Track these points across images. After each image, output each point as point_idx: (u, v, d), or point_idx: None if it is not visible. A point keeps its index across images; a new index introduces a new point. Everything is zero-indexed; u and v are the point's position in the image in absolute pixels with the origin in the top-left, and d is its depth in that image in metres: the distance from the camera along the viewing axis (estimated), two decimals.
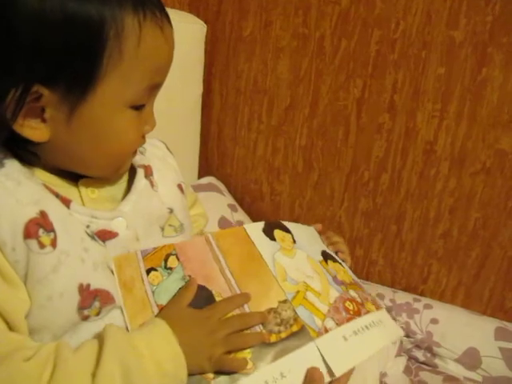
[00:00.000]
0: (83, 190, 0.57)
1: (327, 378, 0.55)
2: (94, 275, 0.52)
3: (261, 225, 0.66)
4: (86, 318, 0.52)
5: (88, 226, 0.53)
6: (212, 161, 1.37)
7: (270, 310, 0.57)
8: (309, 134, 1.24)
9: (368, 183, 1.21)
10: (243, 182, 1.35)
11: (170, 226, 0.63)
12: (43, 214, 0.49)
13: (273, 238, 0.65)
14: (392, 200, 1.19)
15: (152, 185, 0.63)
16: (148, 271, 0.58)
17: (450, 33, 1.06)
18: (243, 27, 1.24)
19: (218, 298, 0.58)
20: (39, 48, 0.46)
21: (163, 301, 0.57)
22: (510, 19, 1.01)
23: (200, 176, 1.30)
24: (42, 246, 0.48)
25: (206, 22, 1.20)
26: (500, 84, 1.05)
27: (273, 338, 0.56)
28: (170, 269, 0.60)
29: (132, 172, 0.63)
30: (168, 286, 0.58)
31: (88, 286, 0.51)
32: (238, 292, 0.59)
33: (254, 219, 1.28)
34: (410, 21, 1.08)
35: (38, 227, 0.48)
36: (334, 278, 0.65)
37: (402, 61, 1.11)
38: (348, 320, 0.61)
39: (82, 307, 0.51)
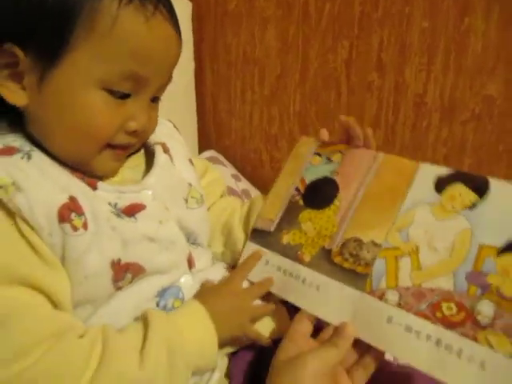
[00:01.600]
0: (103, 168, 0.59)
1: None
2: (123, 251, 0.56)
3: (444, 171, 0.60)
4: (120, 288, 0.57)
5: (116, 205, 0.57)
6: (210, 135, 1.41)
7: (356, 240, 0.61)
8: (302, 99, 1.27)
9: None
10: (242, 153, 1.39)
11: (192, 197, 0.67)
12: (72, 199, 0.53)
13: (440, 190, 0.59)
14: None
15: (171, 159, 0.67)
16: (315, 154, 0.72)
17: None
18: (227, 1, 1.26)
19: (336, 202, 0.66)
20: (13, 7, 0.50)
21: (307, 177, 0.71)
22: None
23: (199, 151, 1.34)
24: (75, 228, 0.52)
25: (189, 0, 1.22)
26: (482, 32, 1.07)
27: (337, 260, 0.61)
28: (331, 160, 0.70)
29: (148, 153, 0.67)
30: (319, 169, 0.71)
31: (119, 260, 0.55)
32: (352, 211, 0.64)
33: (257, 186, 1.33)
34: None
35: (70, 211, 0.52)
36: (475, 274, 0.53)
37: (386, 19, 1.13)
38: (419, 314, 0.53)
39: (115, 280, 0.56)
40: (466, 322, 0.51)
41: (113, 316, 0.57)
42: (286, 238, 0.67)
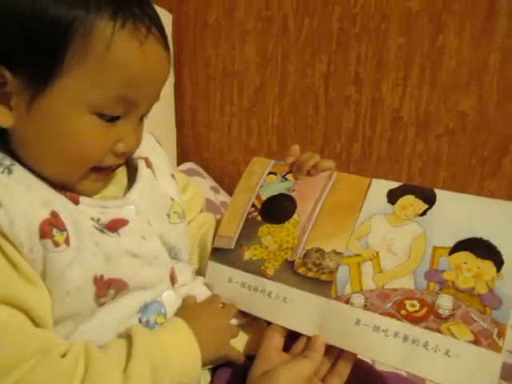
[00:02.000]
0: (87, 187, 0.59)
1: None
2: (106, 266, 0.55)
3: (394, 185, 0.65)
4: (102, 304, 0.56)
5: (98, 220, 0.56)
6: (188, 147, 1.41)
7: (318, 250, 0.63)
8: (280, 112, 1.28)
9: (341, 154, 1.26)
10: (221, 165, 1.39)
11: (174, 212, 0.67)
12: (54, 214, 0.52)
13: (393, 202, 0.63)
14: (365, 168, 1.26)
15: (154, 174, 0.66)
16: (269, 173, 0.73)
17: (407, 4, 1.11)
18: (208, 14, 1.27)
19: (295, 216, 0.68)
20: (6, 31, 0.49)
21: (263, 194, 0.72)
22: None
23: (178, 162, 1.34)
24: (56, 244, 0.51)
25: (169, 11, 1.23)
26: (456, 49, 1.10)
27: (301, 270, 0.63)
28: (286, 179, 0.72)
29: (130, 167, 0.66)
30: (274, 187, 0.72)
31: (102, 276, 0.55)
32: (310, 224, 0.66)
33: None
34: None
35: (52, 227, 0.51)
36: (432, 272, 0.57)
37: (363, 34, 1.16)
38: (385, 314, 0.56)
39: (98, 296, 0.55)
40: (428, 317, 0.54)
41: (95, 332, 0.56)
42: (248, 254, 0.68)
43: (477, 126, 1.13)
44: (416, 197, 0.62)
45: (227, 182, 1.39)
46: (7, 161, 0.53)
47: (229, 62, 1.29)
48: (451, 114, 1.15)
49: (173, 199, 0.68)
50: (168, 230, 0.65)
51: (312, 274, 0.62)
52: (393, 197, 0.64)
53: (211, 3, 1.26)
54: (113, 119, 0.54)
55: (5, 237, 0.49)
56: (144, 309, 0.60)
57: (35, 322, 0.50)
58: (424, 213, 0.61)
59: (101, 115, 0.53)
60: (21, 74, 0.50)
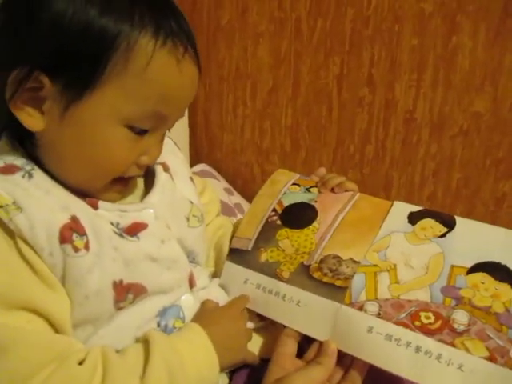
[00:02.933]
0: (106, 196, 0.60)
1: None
2: (125, 271, 0.56)
3: (416, 208, 0.66)
4: (121, 309, 0.57)
5: (118, 224, 0.57)
6: (201, 149, 1.41)
7: (335, 256, 0.64)
8: (293, 113, 1.28)
9: (354, 155, 1.26)
10: (234, 166, 1.39)
11: (193, 216, 0.67)
12: (74, 219, 0.53)
13: (413, 223, 0.65)
14: (378, 169, 1.25)
15: (172, 178, 0.67)
16: (294, 184, 0.75)
17: (420, 5, 1.10)
18: (220, 16, 1.27)
19: (315, 223, 0.69)
20: (52, 41, 0.50)
21: (285, 201, 0.72)
22: None
23: (191, 164, 1.34)
24: (76, 249, 0.52)
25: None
26: (470, 50, 1.10)
27: (316, 275, 0.63)
28: (309, 191, 0.73)
29: (147, 171, 0.67)
30: (297, 196, 0.73)
31: (121, 281, 0.55)
32: (330, 233, 0.67)
33: (249, 200, 1.33)
34: None
35: (72, 232, 0.52)
36: (449, 288, 0.57)
37: (376, 36, 1.15)
38: (399, 323, 0.56)
39: (117, 301, 0.56)
40: (443, 330, 0.54)
41: (114, 336, 0.56)
42: (264, 256, 0.68)
43: (491, 127, 1.13)
44: (436, 221, 0.64)
45: (240, 183, 1.40)
46: (28, 165, 0.54)
47: (242, 63, 1.29)
48: (465, 115, 1.15)
49: (192, 202, 0.69)
50: (187, 233, 0.66)
51: (327, 279, 0.62)
52: (413, 218, 0.65)
53: (224, 5, 1.26)
54: (141, 132, 0.55)
55: (25, 241, 0.49)
56: (163, 313, 0.60)
57: (54, 328, 0.51)
58: (443, 235, 0.62)
59: (132, 128, 0.54)
60: (59, 81, 0.51)
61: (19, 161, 0.54)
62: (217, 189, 1.20)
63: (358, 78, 1.20)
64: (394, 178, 1.25)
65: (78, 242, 0.52)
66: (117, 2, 0.50)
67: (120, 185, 0.59)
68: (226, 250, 0.73)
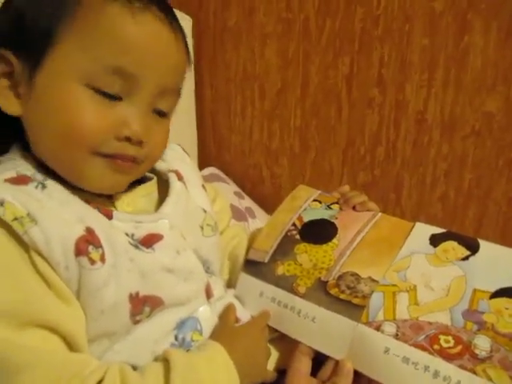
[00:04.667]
0: (119, 204, 0.59)
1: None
2: (141, 283, 0.54)
3: (438, 230, 0.65)
4: (138, 322, 0.55)
5: (133, 235, 0.56)
6: (209, 151, 1.40)
7: (353, 274, 0.63)
8: (302, 114, 1.27)
9: (365, 157, 1.25)
10: (242, 168, 1.38)
11: (207, 225, 0.66)
12: (90, 231, 0.51)
13: (435, 245, 0.64)
14: (389, 170, 1.24)
15: (185, 187, 0.66)
16: (314, 200, 0.74)
17: (431, 4, 1.09)
18: (227, 17, 1.26)
19: (334, 240, 0.68)
20: (5, 17, 0.51)
21: (305, 216, 0.72)
22: None
23: (200, 167, 1.33)
24: (92, 262, 0.50)
25: (188, 15, 1.22)
26: (481, 49, 1.08)
27: (333, 291, 0.62)
28: (330, 208, 0.73)
29: (160, 180, 0.66)
30: (317, 212, 0.73)
31: (137, 294, 0.54)
32: (349, 251, 0.66)
33: (258, 203, 1.33)
34: None
35: (88, 244, 0.50)
36: (471, 312, 0.56)
37: (386, 35, 1.14)
38: (417, 346, 0.54)
39: (134, 314, 0.54)
40: (463, 355, 0.52)
41: (131, 351, 0.55)
42: (281, 269, 0.67)
43: (503, 127, 1.11)
44: (459, 243, 0.63)
45: (249, 185, 1.39)
46: (40, 176, 0.53)
47: (249, 64, 1.28)
48: (477, 115, 1.13)
49: (205, 211, 0.68)
50: (202, 243, 0.65)
51: (344, 297, 0.61)
52: (435, 240, 0.64)
53: (231, 6, 1.25)
54: (113, 98, 0.52)
55: (40, 255, 0.48)
56: (180, 325, 0.59)
57: (69, 345, 0.50)
58: (466, 258, 0.61)
59: (98, 91, 0.51)
60: (21, 55, 0.51)
61: (31, 170, 0.53)
62: (227, 193, 1.19)
63: (367, 78, 1.18)
64: (405, 178, 1.23)
65: (94, 254, 0.51)
66: None
67: (109, 162, 0.54)
68: (241, 260, 0.72)
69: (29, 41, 0.50)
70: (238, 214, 1.11)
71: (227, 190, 1.21)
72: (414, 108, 1.17)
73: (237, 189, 1.27)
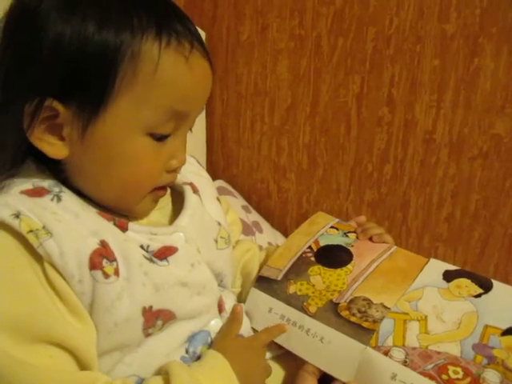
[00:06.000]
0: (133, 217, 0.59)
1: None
2: (155, 297, 0.55)
3: (452, 267, 0.67)
4: (149, 335, 0.56)
5: (148, 247, 0.56)
6: (217, 164, 1.41)
7: (365, 299, 0.63)
8: (311, 131, 1.28)
9: (372, 175, 1.25)
10: (250, 182, 1.39)
11: (221, 238, 0.66)
12: (104, 244, 0.52)
13: (448, 280, 0.65)
14: (396, 189, 1.24)
15: (201, 200, 0.66)
16: (331, 227, 0.76)
17: (442, 26, 1.10)
18: (240, 32, 1.27)
19: (349, 266, 0.69)
20: (55, 66, 0.49)
21: (321, 241, 0.73)
22: (497, 10, 1.06)
23: None
24: (106, 275, 0.51)
25: (202, 29, 1.23)
26: (492, 72, 1.09)
27: (344, 314, 0.62)
28: (347, 236, 0.74)
29: (174, 193, 0.66)
30: (334, 237, 0.74)
31: (150, 307, 0.54)
32: (363, 277, 0.66)
33: (264, 217, 1.33)
34: (403, 17, 1.12)
35: (102, 257, 0.51)
36: (481, 346, 0.56)
37: (397, 56, 1.15)
38: (425, 374, 0.54)
39: (146, 327, 0.54)
40: None
41: (142, 364, 0.55)
42: (293, 288, 0.67)
43: (511, 150, 1.12)
44: (472, 281, 0.64)
45: (255, 199, 1.39)
46: (56, 187, 0.53)
47: (260, 80, 1.29)
48: (485, 137, 1.14)
49: (220, 224, 0.68)
50: (215, 256, 0.65)
51: (355, 320, 0.61)
52: (449, 276, 0.66)
53: (244, 21, 1.26)
54: (163, 137, 0.54)
55: (54, 268, 0.48)
56: (191, 339, 0.59)
57: (78, 361, 0.50)
58: (479, 295, 0.62)
59: (155, 135, 0.53)
60: (71, 104, 0.50)
61: (47, 182, 0.53)
62: (235, 206, 1.19)
63: (377, 97, 1.19)
64: (412, 198, 1.24)
65: (108, 267, 0.51)
66: (114, 13, 0.49)
67: (157, 194, 0.59)
68: (253, 275, 0.72)
69: (84, 92, 0.50)
70: (246, 229, 1.11)
71: (235, 204, 1.21)
72: (422, 128, 1.18)
73: (244, 203, 1.27)
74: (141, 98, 0.51)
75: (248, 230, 1.12)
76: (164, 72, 0.51)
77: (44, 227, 0.48)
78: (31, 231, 0.48)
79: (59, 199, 0.52)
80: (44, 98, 0.49)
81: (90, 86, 0.49)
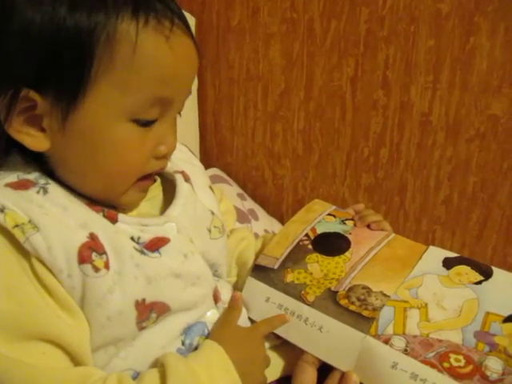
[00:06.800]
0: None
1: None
2: (147, 290, 0.53)
3: (451, 254, 0.66)
4: (144, 328, 0.54)
5: (139, 238, 0.54)
6: (211, 152, 1.39)
7: (365, 287, 0.62)
8: (306, 116, 1.26)
9: (368, 159, 1.24)
10: (244, 170, 1.37)
11: (215, 227, 0.65)
12: (93, 237, 0.50)
13: (448, 267, 0.65)
14: (393, 173, 1.23)
15: (193, 188, 0.65)
16: (328, 215, 0.74)
17: (437, 5, 1.08)
18: (230, 16, 1.25)
19: (347, 253, 0.68)
20: (27, 54, 0.46)
21: (319, 228, 0.72)
22: None
23: None
24: (96, 269, 0.49)
25: (191, 14, 1.21)
26: (488, 51, 1.07)
27: (343, 302, 0.61)
28: (345, 223, 0.72)
29: (165, 182, 0.64)
30: (331, 225, 0.73)
31: (143, 300, 0.53)
32: (361, 265, 0.65)
33: (260, 205, 1.32)
34: None
35: (91, 251, 0.49)
36: (483, 333, 0.55)
37: (391, 37, 1.13)
38: (426, 362, 0.53)
39: (139, 321, 0.53)
40: (474, 375, 0.51)
41: (137, 358, 0.54)
42: (290, 277, 0.66)
43: (509, 130, 1.10)
44: (472, 268, 0.64)
45: (251, 187, 1.38)
46: (42, 179, 0.51)
47: (253, 65, 1.27)
48: (482, 118, 1.12)
49: (213, 213, 0.66)
50: (209, 246, 0.64)
51: (354, 308, 0.60)
52: (448, 263, 0.65)
53: (234, 6, 1.24)
54: (149, 123, 0.52)
55: (42, 263, 0.47)
56: (187, 330, 0.58)
57: (72, 357, 0.49)
58: (479, 282, 0.62)
59: (139, 122, 0.51)
60: (49, 94, 0.47)
61: (32, 175, 0.51)
62: (230, 194, 1.18)
63: (372, 80, 1.17)
64: (409, 181, 1.23)
65: (98, 261, 0.50)
66: None
67: (144, 184, 0.57)
68: (249, 264, 0.71)
69: (60, 80, 0.47)
70: (241, 216, 1.10)
71: (230, 192, 1.20)
72: (418, 110, 1.16)
73: (239, 190, 1.26)
74: (121, 83, 0.48)
75: (244, 217, 1.11)
76: (143, 54, 0.48)
77: (30, 221, 0.47)
78: (17, 226, 0.46)
79: (45, 191, 0.50)
80: (19, 88, 0.47)
81: (65, 73, 0.47)
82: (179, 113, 0.57)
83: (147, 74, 0.49)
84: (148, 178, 0.57)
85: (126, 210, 0.58)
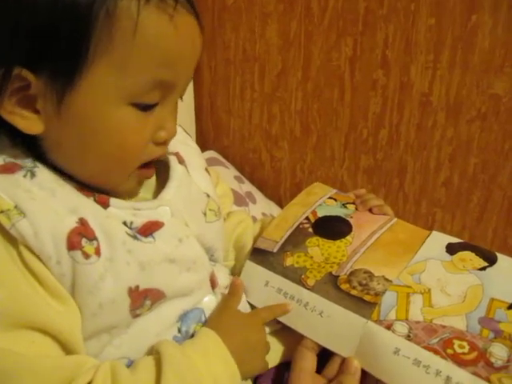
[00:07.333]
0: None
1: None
2: (141, 276, 0.52)
3: (455, 240, 0.65)
4: (138, 316, 0.53)
5: (131, 223, 0.53)
6: (207, 134, 1.37)
7: (367, 271, 0.61)
8: (304, 97, 1.24)
9: (367, 140, 1.22)
10: (241, 152, 1.35)
11: (210, 210, 0.63)
12: (83, 222, 0.48)
13: (451, 253, 0.64)
14: (392, 154, 1.21)
15: (187, 170, 0.63)
16: (329, 198, 0.73)
17: None
18: None
19: (348, 237, 0.66)
20: (20, 30, 0.44)
21: (319, 212, 0.71)
22: None
23: None
24: (86, 256, 0.47)
25: None
26: (490, 29, 1.05)
27: (344, 287, 0.60)
28: (346, 207, 0.71)
29: (158, 164, 0.62)
30: (332, 208, 0.72)
31: (137, 287, 0.51)
32: (363, 249, 0.64)
33: (257, 188, 1.30)
34: None
35: (81, 237, 0.47)
36: (487, 320, 0.54)
37: (391, 15, 1.10)
38: (429, 349, 0.52)
39: (133, 308, 0.52)
40: (478, 362, 0.50)
41: (132, 346, 0.53)
42: (290, 260, 0.64)
43: (511, 110, 1.08)
44: (476, 254, 0.63)
45: (248, 170, 1.36)
46: (29, 162, 0.49)
47: (249, 45, 1.24)
48: (484, 98, 1.10)
49: (208, 196, 0.64)
50: (205, 229, 0.62)
51: (355, 293, 0.58)
52: (452, 249, 0.64)
53: None
54: (149, 107, 0.49)
55: (30, 250, 0.45)
56: (183, 317, 0.57)
57: (63, 345, 0.47)
58: (483, 268, 0.61)
59: (139, 105, 0.48)
60: (43, 73, 0.45)
61: (19, 158, 0.49)
62: (226, 177, 1.16)
63: (371, 59, 1.15)
64: (409, 163, 1.21)
65: (88, 247, 0.48)
66: None
67: (144, 171, 0.55)
68: (248, 247, 0.69)
69: (55, 58, 0.44)
70: (239, 199, 1.08)
71: (227, 175, 1.18)
72: (418, 90, 1.14)
73: (237, 173, 1.24)
74: (120, 63, 0.45)
75: (241, 200, 1.09)
76: (145, 32, 0.45)
77: (16, 207, 0.45)
78: (2, 212, 0.44)
79: (33, 175, 0.48)
80: (11, 66, 0.44)
81: (61, 51, 0.44)
82: (181, 97, 0.55)
83: (148, 54, 0.46)
84: (148, 166, 0.55)
85: (118, 197, 0.56)
